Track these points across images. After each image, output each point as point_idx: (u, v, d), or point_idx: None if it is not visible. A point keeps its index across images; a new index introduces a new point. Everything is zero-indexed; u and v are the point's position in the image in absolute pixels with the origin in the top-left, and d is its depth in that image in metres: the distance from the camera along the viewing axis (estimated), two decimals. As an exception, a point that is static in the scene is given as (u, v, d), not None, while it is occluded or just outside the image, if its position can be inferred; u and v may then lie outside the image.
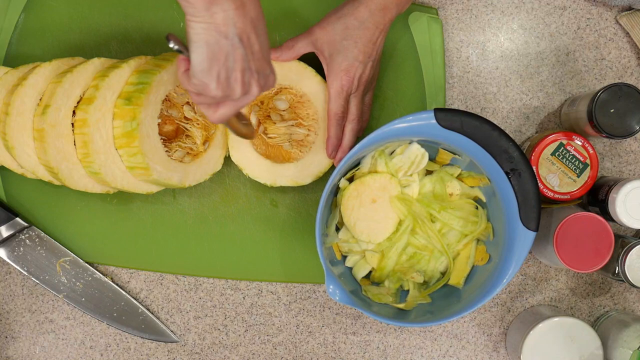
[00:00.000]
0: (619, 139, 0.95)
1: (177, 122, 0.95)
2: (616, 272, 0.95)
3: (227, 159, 0.99)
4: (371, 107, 0.99)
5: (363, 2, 0.90)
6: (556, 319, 0.95)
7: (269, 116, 0.97)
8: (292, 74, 0.96)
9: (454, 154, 0.94)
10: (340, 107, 0.93)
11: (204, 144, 0.96)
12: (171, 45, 0.74)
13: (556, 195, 0.97)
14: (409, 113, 0.87)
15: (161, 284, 1.04)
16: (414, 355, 1.05)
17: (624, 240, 0.96)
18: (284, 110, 0.97)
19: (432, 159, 0.96)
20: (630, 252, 0.93)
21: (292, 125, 0.97)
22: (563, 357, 0.95)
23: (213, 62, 0.74)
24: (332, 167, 0.98)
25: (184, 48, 0.75)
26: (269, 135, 0.97)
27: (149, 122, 0.90)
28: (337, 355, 1.04)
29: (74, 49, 1.01)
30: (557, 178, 0.97)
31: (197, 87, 0.77)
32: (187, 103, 0.96)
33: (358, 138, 0.96)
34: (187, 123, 0.95)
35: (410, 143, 0.94)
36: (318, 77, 0.96)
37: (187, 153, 0.96)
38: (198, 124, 0.96)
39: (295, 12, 1.02)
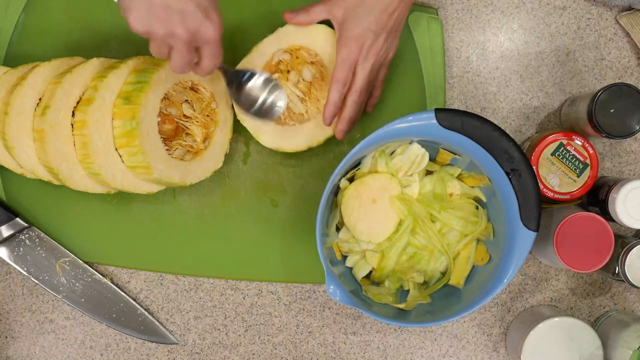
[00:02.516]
0: (619, 139, 0.95)
1: (176, 120, 0.95)
2: (616, 272, 0.95)
3: (227, 157, 0.99)
4: (383, 84, 0.98)
5: None
6: (556, 319, 0.95)
7: (289, 72, 0.97)
8: (306, 33, 0.96)
9: (454, 154, 0.94)
10: (344, 74, 0.92)
11: (204, 141, 0.96)
12: None
13: (556, 195, 0.97)
14: (409, 113, 0.87)
15: (161, 284, 1.04)
16: (414, 355, 1.05)
17: (624, 240, 0.96)
18: (304, 80, 0.97)
19: (432, 159, 0.96)
20: (630, 252, 0.93)
21: (298, 95, 0.97)
22: (563, 357, 0.95)
23: None
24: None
25: None
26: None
27: (148, 121, 0.90)
28: (337, 355, 1.04)
29: (74, 49, 1.01)
30: (557, 178, 0.97)
31: (126, 18, 0.79)
32: (186, 101, 0.96)
33: (365, 133, 0.95)
34: (187, 121, 0.95)
35: (410, 143, 0.94)
36: (329, 30, 0.96)
37: (188, 151, 0.96)
38: (197, 121, 0.96)
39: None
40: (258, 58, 0.97)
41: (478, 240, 0.96)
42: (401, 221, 0.95)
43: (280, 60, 0.97)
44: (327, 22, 0.95)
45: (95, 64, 0.93)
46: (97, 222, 1.01)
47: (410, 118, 0.87)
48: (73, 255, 1.01)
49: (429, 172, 0.97)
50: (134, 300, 1.03)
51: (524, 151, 0.99)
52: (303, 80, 0.97)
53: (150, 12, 0.77)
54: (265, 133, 0.97)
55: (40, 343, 1.04)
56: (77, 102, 0.92)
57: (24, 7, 1.00)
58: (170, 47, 0.82)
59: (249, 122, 0.97)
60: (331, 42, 0.96)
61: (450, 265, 0.95)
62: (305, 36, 0.96)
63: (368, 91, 0.96)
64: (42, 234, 1.01)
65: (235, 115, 0.99)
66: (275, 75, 0.97)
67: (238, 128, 1.00)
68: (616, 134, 0.94)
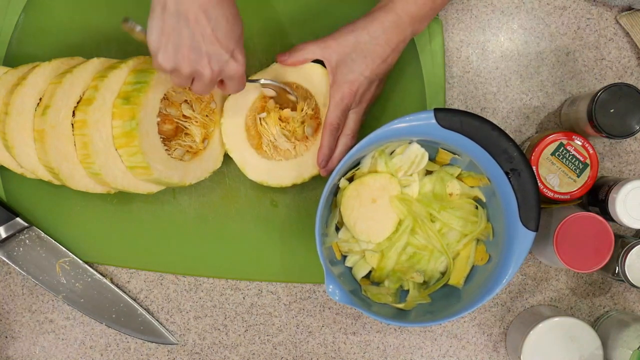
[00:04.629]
0: (619, 139, 0.95)
1: (175, 120, 0.95)
2: (616, 272, 0.95)
3: (227, 157, 0.99)
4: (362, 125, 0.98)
5: (377, 18, 0.91)
6: (556, 319, 0.95)
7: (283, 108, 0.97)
8: (300, 70, 0.96)
9: (454, 153, 0.94)
10: (337, 118, 0.93)
11: (203, 141, 0.97)
12: (129, 24, 0.83)
13: (556, 195, 0.97)
14: (409, 113, 0.87)
15: (161, 284, 1.04)
16: (414, 355, 1.05)
17: (624, 240, 0.96)
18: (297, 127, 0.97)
19: (432, 159, 0.96)
20: (630, 252, 0.93)
21: (284, 134, 0.97)
22: (563, 357, 0.95)
23: (161, 34, 0.80)
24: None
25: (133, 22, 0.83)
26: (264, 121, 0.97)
27: (148, 121, 0.90)
28: (337, 355, 1.04)
29: (74, 49, 1.01)
30: (557, 178, 0.96)
31: (153, 57, 0.82)
32: (185, 101, 0.96)
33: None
34: (186, 121, 0.96)
35: (410, 143, 0.94)
36: (323, 70, 0.95)
37: (187, 151, 0.96)
38: (197, 122, 0.96)
39: (306, 21, 1.02)
40: (251, 91, 0.96)
41: (478, 240, 0.96)
42: (401, 221, 0.95)
43: (272, 97, 0.97)
44: (321, 61, 0.95)
45: (95, 63, 0.94)
46: (97, 222, 1.01)
47: (410, 118, 0.87)
48: (73, 255, 1.01)
49: (428, 172, 0.97)
50: (134, 300, 1.03)
51: (524, 151, 0.99)
52: (298, 135, 0.97)
53: (178, 53, 0.81)
54: (251, 166, 0.97)
55: (40, 343, 1.04)
56: (78, 102, 0.92)
57: (24, 7, 1.00)
58: (192, 79, 0.85)
59: (236, 155, 0.97)
60: (325, 82, 0.95)
61: (450, 265, 0.95)
62: (300, 74, 0.96)
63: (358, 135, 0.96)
64: (42, 234, 1.01)
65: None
66: (263, 115, 0.96)
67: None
68: (616, 134, 0.94)
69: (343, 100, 0.92)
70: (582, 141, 0.96)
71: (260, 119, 0.97)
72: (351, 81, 0.91)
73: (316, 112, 0.97)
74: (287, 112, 0.96)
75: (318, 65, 0.95)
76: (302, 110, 0.96)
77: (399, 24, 0.90)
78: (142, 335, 1.03)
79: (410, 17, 0.90)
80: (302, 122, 0.96)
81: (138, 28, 0.83)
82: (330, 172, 0.95)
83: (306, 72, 0.95)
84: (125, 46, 1.01)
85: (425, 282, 0.96)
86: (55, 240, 1.01)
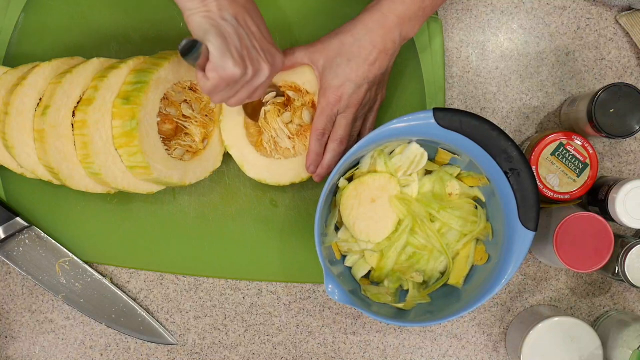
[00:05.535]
0: (619, 139, 0.95)
1: (175, 120, 0.95)
2: (616, 272, 0.95)
3: (227, 157, 0.99)
4: (373, 126, 0.98)
5: (361, 19, 0.90)
6: (556, 319, 0.95)
7: (281, 109, 0.97)
8: (300, 72, 0.96)
9: (454, 153, 0.94)
10: (322, 124, 0.92)
11: (203, 141, 0.97)
12: (185, 44, 0.78)
13: (556, 195, 0.96)
14: (408, 113, 0.87)
15: (161, 284, 1.04)
16: (414, 355, 1.05)
17: (624, 240, 0.96)
18: (298, 120, 0.97)
19: (431, 159, 0.96)
20: (630, 252, 0.93)
21: (285, 132, 0.97)
22: (563, 357, 0.95)
23: (224, 41, 0.80)
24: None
25: (198, 43, 0.79)
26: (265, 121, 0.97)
27: (148, 121, 0.90)
28: (337, 355, 1.04)
29: (74, 49, 1.01)
30: (557, 178, 0.96)
31: (217, 74, 0.81)
32: (185, 101, 0.96)
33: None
34: (186, 121, 0.96)
35: (409, 143, 0.94)
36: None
37: (187, 151, 0.96)
38: (196, 121, 0.96)
39: (291, 28, 1.02)
40: None
41: (477, 240, 0.96)
42: (400, 221, 0.95)
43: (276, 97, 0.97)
44: None
45: (95, 64, 0.94)
46: (97, 222, 1.01)
47: (409, 118, 0.87)
48: (73, 255, 1.01)
49: (428, 172, 0.97)
50: (134, 300, 1.03)
51: (524, 151, 0.99)
52: (296, 121, 0.97)
53: (242, 55, 0.82)
54: (250, 164, 0.96)
55: (40, 343, 1.04)
56: (78, 102, 0.92)
57: (24, 7, 1.00)
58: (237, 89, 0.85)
59: (235, 152, 0.97)
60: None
61: (450, 265, 0.95)
62: (297, 74, 0.95)
63: (352, 139, 0.95)
64: (42, 234, 1.01)
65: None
66: (268, 108, 0.96)
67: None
68: (616, 134, 0.94)
69: (328, 105, 0.91)
70: (582, 141, 0.96)
71: (264, 112, 0.96)
72: (336, 86, 0.90)
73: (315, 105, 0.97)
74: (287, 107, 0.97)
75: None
76: (301, 92, 0.96)
77: (384, 24, 0.88)
78: (142, 336, 1.03)
79: (398, 17, 0.88)
80: (302, 105, 0.96)
81: (190, 45, 0.79)
82: (323, 178, 0.95)
83: (303, 72, 0.95)
84: (125, 46, 1.01)
85: (424, 282, 0.96)
86: (55, 240, 1.01)
